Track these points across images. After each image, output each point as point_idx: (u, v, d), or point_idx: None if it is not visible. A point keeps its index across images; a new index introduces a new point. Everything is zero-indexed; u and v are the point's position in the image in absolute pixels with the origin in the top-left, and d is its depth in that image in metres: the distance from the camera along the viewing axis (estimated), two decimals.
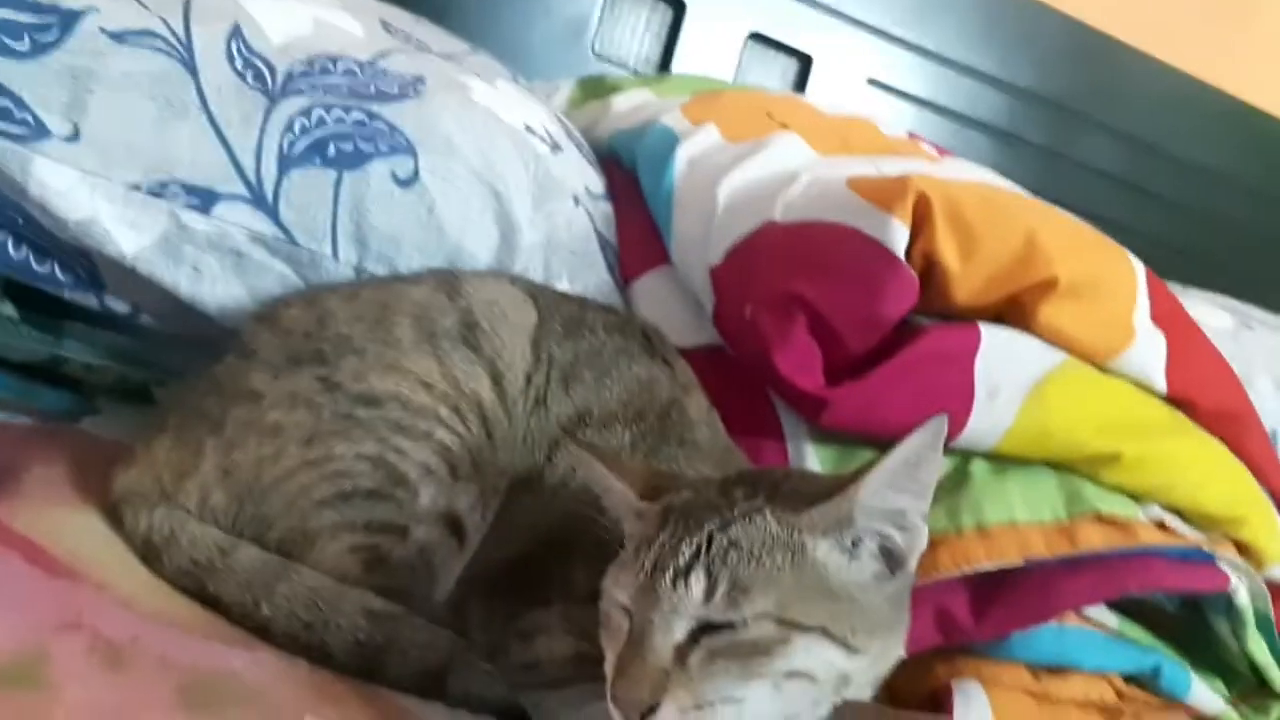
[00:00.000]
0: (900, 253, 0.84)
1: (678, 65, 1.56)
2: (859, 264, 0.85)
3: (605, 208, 1.06)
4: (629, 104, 1.25)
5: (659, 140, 1.09)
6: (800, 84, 1.68)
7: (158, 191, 0.85)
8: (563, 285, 0.98)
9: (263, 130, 0.88)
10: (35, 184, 0.81)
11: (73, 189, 0.82)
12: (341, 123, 0.91)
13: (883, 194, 0.86)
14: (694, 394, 0.86)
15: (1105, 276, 0.91)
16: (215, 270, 0.88)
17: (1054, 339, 0.89)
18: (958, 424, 0.86)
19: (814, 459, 0.89)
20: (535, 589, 0.73)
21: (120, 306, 0.90)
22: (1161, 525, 0.87)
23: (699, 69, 1.55)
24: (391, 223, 0.92)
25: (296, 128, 0.89)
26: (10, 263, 0.85)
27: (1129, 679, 0.92)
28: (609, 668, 0.61)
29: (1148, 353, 0.91)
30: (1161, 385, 0.91)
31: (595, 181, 1.07)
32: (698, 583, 0.59)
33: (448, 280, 0.84)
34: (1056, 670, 0.89)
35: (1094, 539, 0.85)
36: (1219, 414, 0.94)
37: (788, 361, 0.85)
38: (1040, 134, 1.92)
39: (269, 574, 0.72)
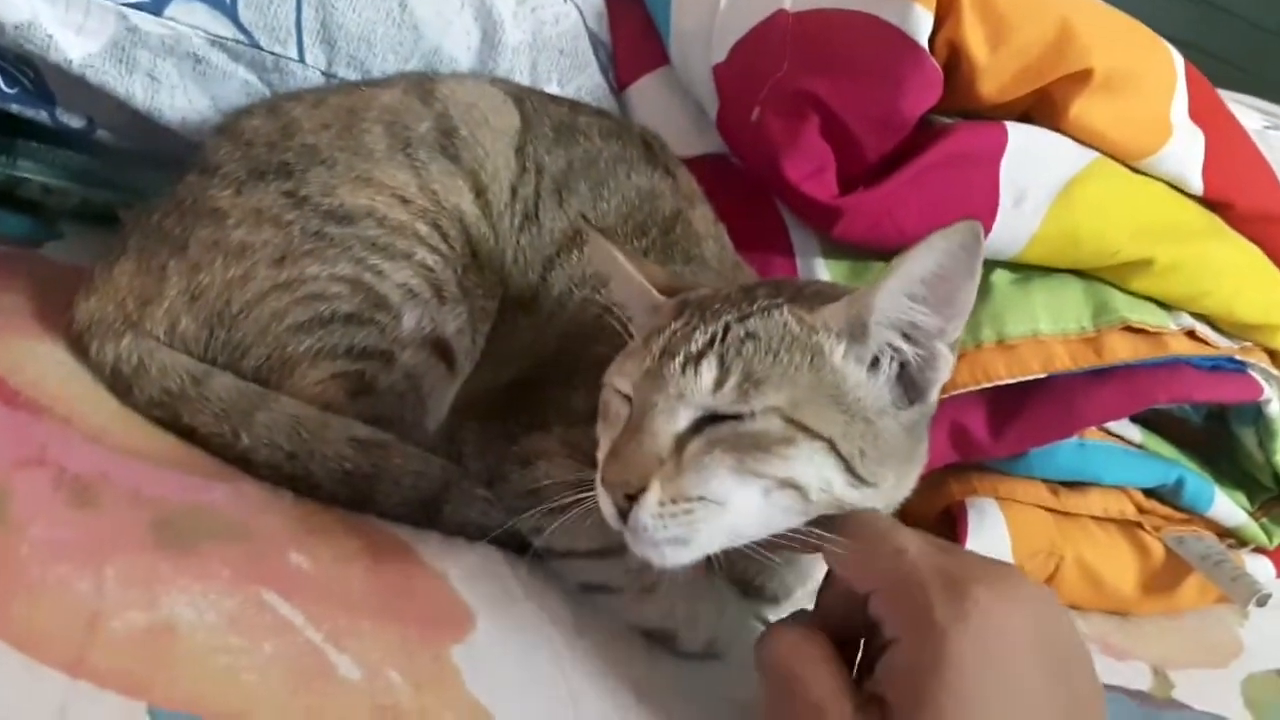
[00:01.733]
0: (924, 42, 0.77)
1: None
2: (877, 56, 0.77)
3: (597, 3, 0.97)
4: None
5: None
6: None
7: None
8: (551, 89, 0.90)
9: None
10: None
11: None
12: None
13: None
14: (699, 206, 0.80)
15: (1143, 69, 0.83)
16: (173, 78, 0.80)
17: (1086, 137, 0.82)
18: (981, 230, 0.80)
19: (826, 275, 0.84)
20: (533, 413, 0.69)
21: (74, 121, 0.83)
22: (1192, 334, 0.83)
23: None
24: (361, 21, 0.83)
25: None
26: None
27: (1149, 493, 0.89)
28: (601, 453, 0.57)
29: (1185, 151, 0.84)
30: (1198, 185, 0.85)
31: None
32: (709, 370, 0.54)
33: (421, 83, 0.76)
34: (1075, 485, 0.87)
35: (1121, 350, 0.81)
36: (1258, 216, 0.88)
37: (798, 168, 0.79)
38: None
39: (247, 402, 0.67)
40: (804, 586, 0.67)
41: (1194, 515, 0.90)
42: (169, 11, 0.79)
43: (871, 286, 0.55)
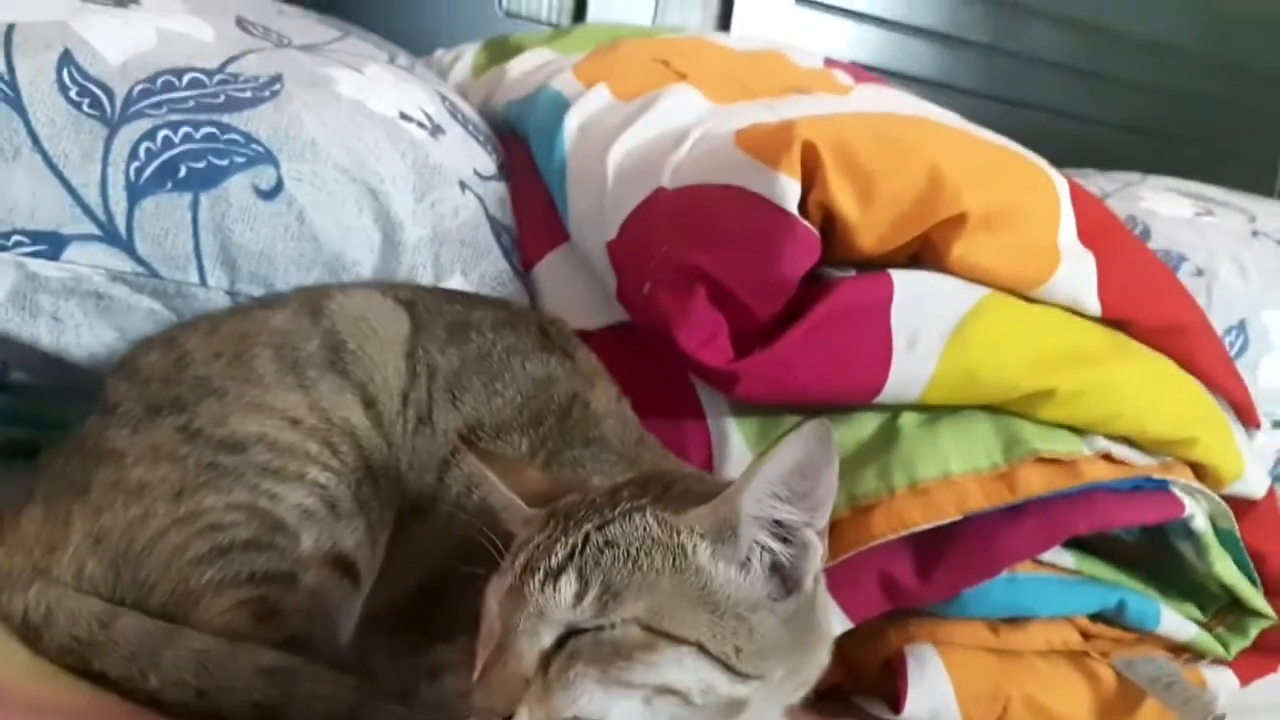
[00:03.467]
0: (793, 208, 0.79)
1: (595, 11, 1.49)
2: (752, 226, 0.79)
3: (499, 188, 1.00)
4: (526, 66, 1.18)
5: (548, 107, 1.02)
6: (725, 14, 1.61)
7: (1, 244, 0.79)
8: (455, 280, 0.92)
9: (105, 161, 0.82)
10: None
11: None
12: (191, 140, 0.85)
13: (768, 148, 0.80)
14: (600, 384, 0.81)
15: (1021, 201, 0.85)
16: (77, 317, 0.83)
17: (973, 275, 0.84)
18: (876, 380, 0.81)
19: (737, 436, 0.84)
20: (438, 622, 0.69)
21: None
22: (1108, 457, 0.83)
23: (618, 12, 1.48)
24: (260, 239, 0.86)
25: (142, 153, 0.83)
26: None
27: (1095, 616, 0.88)
28: (475, 675, 0.56)
29: (1076, 275, 0.85)
30: (1095, 307, 0.86)
31: (485, 161, 1.01)
32: (568, 585, 0.53)
33: (311, 300, 0.78)
34: (1015, 621, 0.86)
35: (1035, 483, 0.81)
36: (1162, 329, 0.89)
37: (691, 337, 0.80)
38: (983, 31, 1.85)
39: (154, 642, 0.67)
40: None
41: (1144, 634, 0.89)
42: (67, 255, 0.81)
43: (735, 488, 0.56)
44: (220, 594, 0.70)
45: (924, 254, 0.84)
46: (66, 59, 0.84)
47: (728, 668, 0.54)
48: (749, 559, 0.56)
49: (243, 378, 0.73)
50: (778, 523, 0.56)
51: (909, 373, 0.81)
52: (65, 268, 0.81)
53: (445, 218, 0.93)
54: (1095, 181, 1.51)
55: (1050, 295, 0.85)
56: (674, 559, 0.55)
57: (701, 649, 0.54)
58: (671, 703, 0.53)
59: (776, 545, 0.57)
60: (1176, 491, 0.84)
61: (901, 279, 0.82)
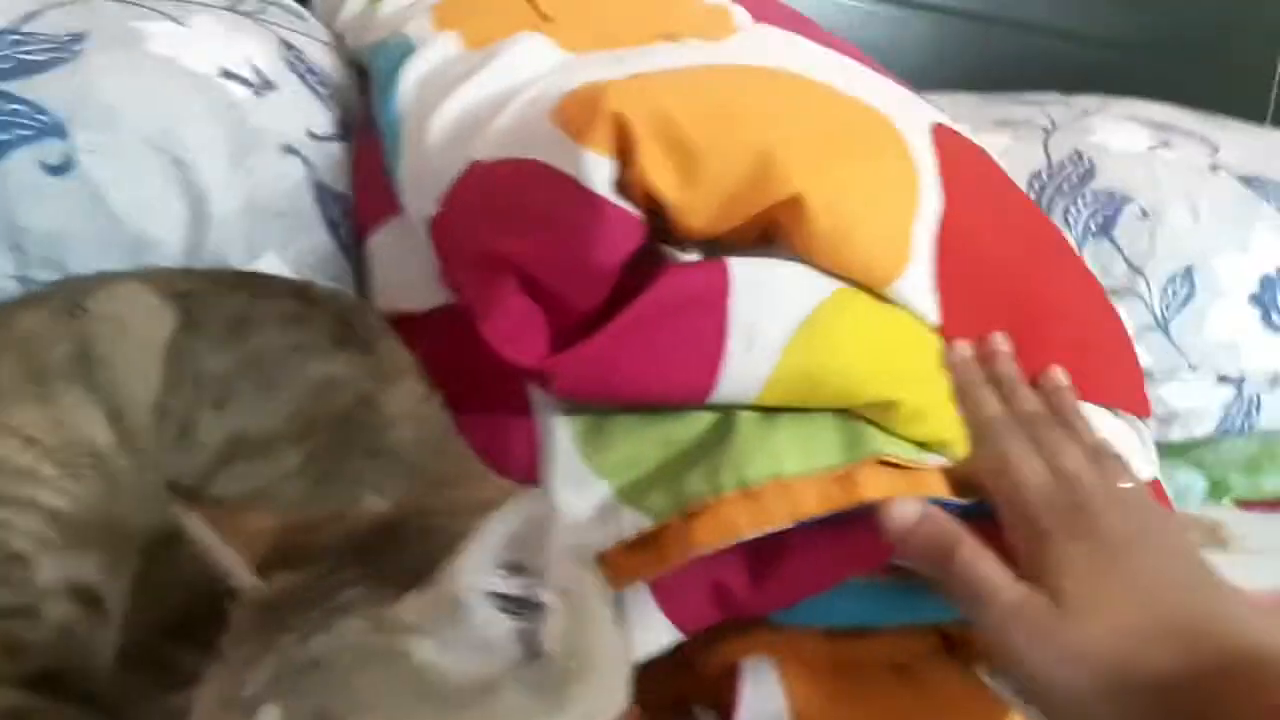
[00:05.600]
0: (602, 189, 0.70)
1: None
2: (559, 209, 0.71)
3: (335, 150, 0.92)
4: (399, 4, 1.08)
5: (393, 55, 0.92)
6: None
7: None
8: (269, 259, 0.85)
9: None
10: None
11: None
12: None
13: (575, 119, 0.71)
14: (401, 383, 0.74)
15: (872, 184, 0.75)
16: None
17: (822, 264, 0.75)
18: (704, 381, 0.73)
19: (565, 434, 0.77)
20: (186, 660, 0.63)
21: None
22: (951, 472, 0.75)
23: None
24: (49, 219, 0.79)
25: None
26: None
27: None
28: None
29: (923, 279, 0.76)
30: (934, 318, 0.77)
31: (323, 119, 0.93)
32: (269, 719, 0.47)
33: (72, 296, 0.71)
34: (862, 632, 0.79)
35: (876, 486, 0.73)
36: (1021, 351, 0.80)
37: (497, 330, 0.73)
38: None
39: None
40: None
41: None
42: None
43: (449, 571, 0.49)
44: None
45: (774, 237, 0.75)
46: None
47: None
48: (480, 639, 0.50)
49: None
50: (505, 596, 0.50)
51: (742, 374, 0.73)
52: None
53: (262, 186, 0.85)
54: (1052, 110, 1.40)
55: (897, 297, 0.76)
56: (393, 666, 0.48)
57: None
58: None
59: (509, 617, 0.50)
60: None
61: (742, 269, 0.73)
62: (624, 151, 0.70)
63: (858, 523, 0.74)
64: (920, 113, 0.88)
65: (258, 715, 0.47)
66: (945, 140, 0.85)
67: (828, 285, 0.75)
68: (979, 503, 0.77)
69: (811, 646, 0.78)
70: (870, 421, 0.75)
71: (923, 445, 0.76)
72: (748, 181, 0.71)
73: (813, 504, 0.73)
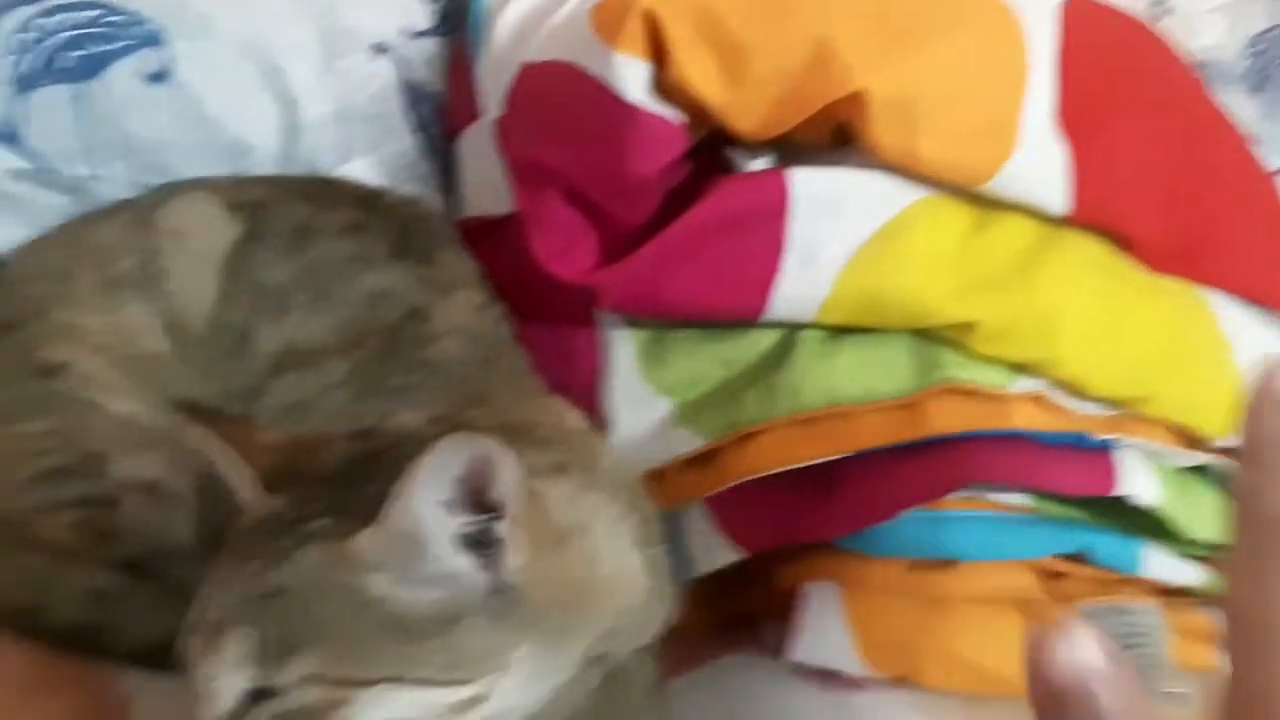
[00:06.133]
0: (635, 94, 0.65)
1: None
2: (593, 115, 0.67)
3: (429, 47, 0.90)
4: None
5: None
6: None
7: None
8: (358, 164, 0.86)
9: None
10: None
11: None
12: (72, 26, 0.81)
13: (608, 20, 0.66)
14: (459, 293, 0.74)
15: (958, 71, 0.67)
16: None
17: (898, 164, 0.68)
18: (756, 299, 0.68)
19: (627, 348, 0.75)
20: None
21: None
22: (1040, 400, 0.68)
23: None
24: (153, 128, 0.83)
25: (22, 43, 0.81)
26: None
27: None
28: None
29: (1038, 165, 0.67)
30: (1060, 205, 0.68)
31: (422, 14, 0.91)
32: (235, 643, 0.48)
33: (145, 209, 0.75)
34: (941, 563, 0.74)
35: (947, 418, 0.68)
36: (1178, 251, 0.70)
37: (544, 245, 0.71)
38: None
39: None
40: None
41: (1127, 578, 0.75)
42: None
43: (394, 508, 0.48)
44: (50, 515, 0.71)
45: (848, 137, 0.69)
46: None
47: (439, 683, 0.49)
48: (437, 573, 0.50)
49: (64, 298, 0.71)
50: (459, 535, 0.49)
51: (799, 293, 0.68)
52: None
53: (352, 90, 0.86)
54: None
55: (1001, 190, 0.68)
56: (350, 599, 0.48)
57: (398, 680, 0.48)
58: None
59: (467, 551, 0.50)
60: (1117, 457, 0.67)
61: (804, 181, 0.67)
62: (659, 52, 0.65)
63: (925, 451, 0.69)
64: None
65: (223, 637, 0.49)
66: (1080, 15, 0.74)
67: (905, 196, 0.68)
68: (1075, 434, 0.70)
69: (885, 575, 0.73)
70: (949, 343, 0.69)
71: (1016, 368, 0.69)
72: (802, 78, 0.65)
73: (872, 434, 0.68)
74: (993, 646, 0.74)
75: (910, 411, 0.68)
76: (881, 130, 0.65)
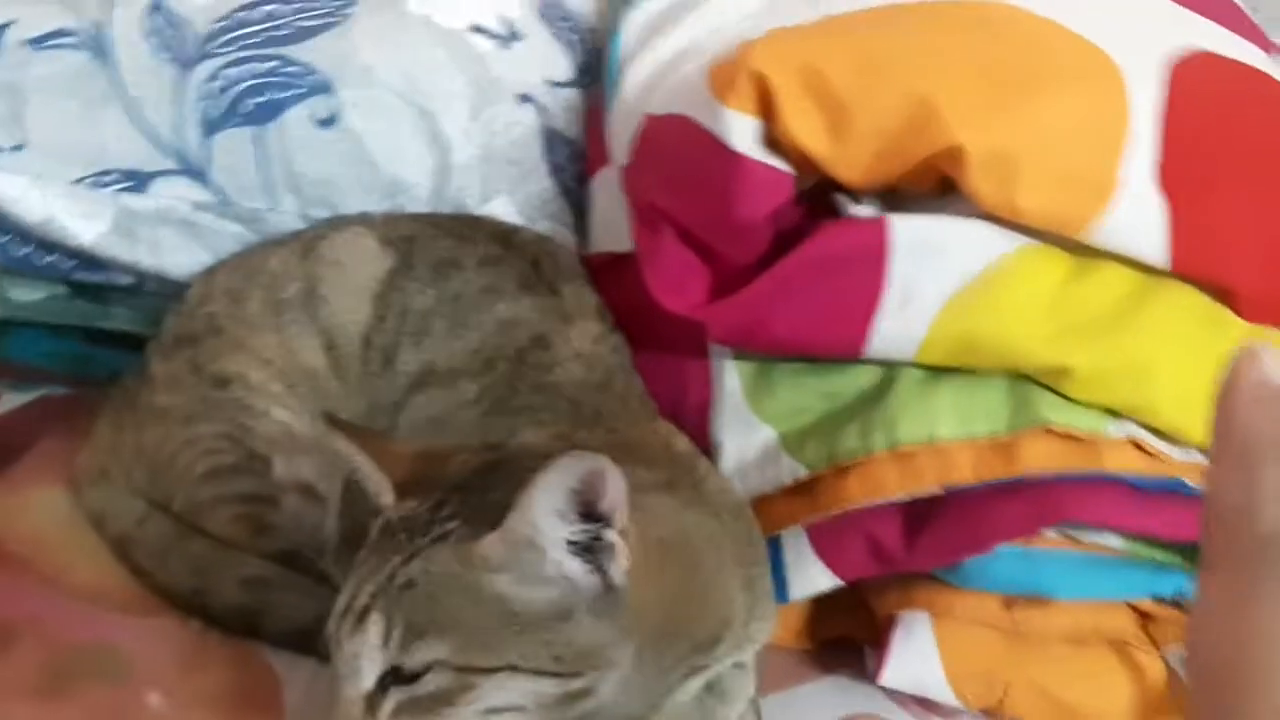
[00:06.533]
0: (743, 147, 0.70)
1: None
2: (705, 165, 0.72)
3: (570, 96, 0.98)
4: None
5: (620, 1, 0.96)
6: None
7: (100, 182, 0.92)
8: (500, 202, 0.93)
9: (180, 101, 0.91)
10: None
11: (26, 194, 0.90)
12: (253, 75, 0.91)
13: (721, 78, 0.72)
14: (580, 324, 0.80)
15: (1059, 123, 0.69)
16: (173, 241, 0.93)
17: (996, 213, 0.71)
18: (855, 338, 0.72)
19: (734, 378, 0.80)
20: None
21: (123, 279, 0.99)
22: (1138, 445, 0.70)
23: None
24: (321, 167, 0.92)
25: (210, 91, 0.91)
26: (13, 258, 0.95)
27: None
28: None
29: (1136, 217, 0.69)
30: (1159, 258, 0.70)
31: (566, 66, 0.99)
32: (375, 627, 0.55)
33: (309, 241, 0.84)
34: (1037, 600, 0.76)
35: (1041, 459, 0.70)
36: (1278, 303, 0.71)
37: (657, 280, 0.76)
38: None
39: (166, 543, 0.80)
40: None
41: None
42: (152, 189, 0.92)
43: (515, 515, 0.55)
44: (218, 508, 0.80)
45: (950, 185, 0.72)
46: (156, 4, 0.93)
47: (552, 675, 0.55)
48: (552, 574, 0.56)
49: (238, 317, 0.81)
50: (572, 541, 0.56)
51: (897, 333, 0.72)
52: (153, 200, 0.92)
53: (497, 135, 0.93)
54: None
55: (1098, 241, 0.70)
56: (473, 594, 0.55)
57: (515, 669, 0.55)
58: (506, 717, 0.55)
59: (579, 556, 0.56)
60: None
61: (905, 227, 0.71)
62: (767, 109, 0.70)
63: (1020, 488, 0.72)
64: (1166, 39, 0.78)
65: (366, 623, 0.56)
66: (1193, 71, 0.76)
67: (1004, 244, 0.71)
68: (1172, 479, 0.71)
69: (979, 608, 0.76)
70: (1045, 386, 0.72)
71: (1111, 412, 0.71)
72: (902, 133, 0.69)
73: (966, 471, 0.71)
74: (1082, 685, 0.76)
75: (1005, 451, 0.70)
76: (980, 181, 0.69)
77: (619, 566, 0.56)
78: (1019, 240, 0.71)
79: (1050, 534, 0.74)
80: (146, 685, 0.73)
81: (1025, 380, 0.72)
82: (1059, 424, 0.70)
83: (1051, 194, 0.69)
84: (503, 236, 0.86)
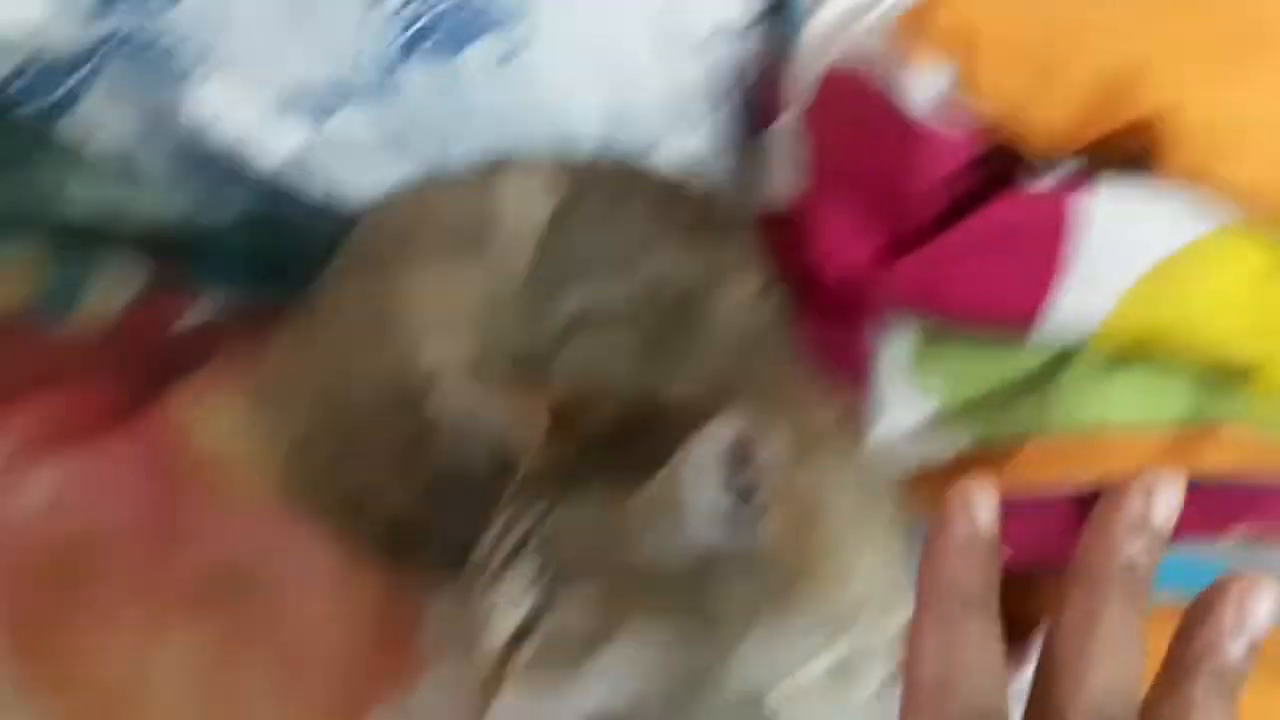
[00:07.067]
0: (923, 104, 0.67)
1: None
2: (884, 123, 0.70)
3: (746, 44, 0.95)
4: None
5: None
6: None
7: (289, 107, 0.95)
8: (667, 152, 0.92)
9: (372, 31, 0.92)
10: (185, 114, 0.94)
11: (221, 114, 0.94)
12: (439, 5, 0.92)
13: (908, 31, 0.68)
14: (739, 277, 0.79)
15: (1274, 100, 0.64)
16: (352, 170, 0.96)
17: (1197, 187, 0.66)
18: (1029, 313, 0.69)
19: (899, 345, 0.77)
20: None
21: (304, 205, 1.01)
22: None
23: None
24: (500, 102, 0.92)
25: (399, 23, 0.92)
26: (203, 183, 1.00)
27: None
28: None
29: None
30: None
31: (739, 11, 0.96)
32: (522, 571, 0.57)
33: (479, 178, 0.85)
34: None
35: (1220, 457, 0.65)
36: None
37: (826, 240, 0.74)
38: None
39: (330, 463, 0.83)
40: None
41: None
42: (341, 115, 0.94)
43: (666, 472, 0.55)
44: (380, 431, 0.82)
45: (1143, 158, 0.68)
46: None
47: (687, 635, 0.55)
48: (698, 533, 0.56)
49: (405, 250, 0.83)
50: (720, 500, 0.55)
51: (1076, 310, 0.68)
52: (340, 130, 0.94)
53: (671, 81, 0.92)
54: None
55: None
56: (619, 544, 0.56)
57: (654, 627, 0.55)
58: (642, 671, 0.55)
59: (725, 515, 0.55)
60: None
61: (1092, 203, 0.67)
62: (961, 59, 0.67)
63: (1196, 489, 0.67)
64: None
65: (512, 565, 0.56)
66: None
67: (1200, 226, 0.66)
68: None
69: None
70: (1232, 383, 0.67)
71: None
72: (1102, 95, 0.64)
73: (1137, 462, 0.67)
74: (1248, 701, 0.71)
75: (1182, 446, 0.66)
76: (1190, 149, 0.64)
77: (764, 529, 0.56)
78: (1218, 222, 0.66)
79: (1229, 539, 0.69)
80: (297, 600, 0.76)
81: (1211, 374, 0.67)
82: (1243, 422, 0.65)
83: (1259, 169, 0.64)
84: (669, 186, 0.85)
